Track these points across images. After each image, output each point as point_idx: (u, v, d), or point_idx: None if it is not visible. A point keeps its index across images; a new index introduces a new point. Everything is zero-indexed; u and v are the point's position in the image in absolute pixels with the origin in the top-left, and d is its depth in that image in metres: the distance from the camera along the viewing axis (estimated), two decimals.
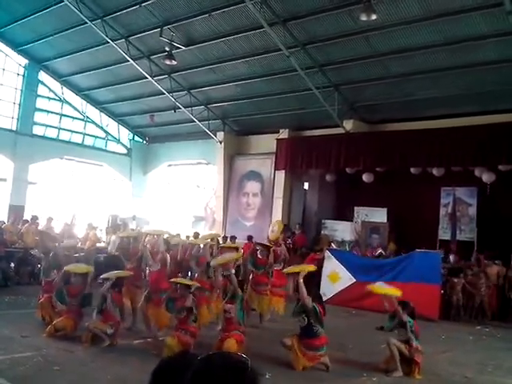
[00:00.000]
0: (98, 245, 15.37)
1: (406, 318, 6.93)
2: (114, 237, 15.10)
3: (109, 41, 15.99)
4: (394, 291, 6.96)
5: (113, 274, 7.84)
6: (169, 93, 18.08)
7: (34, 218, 14.83)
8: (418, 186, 14.99)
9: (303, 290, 6.84)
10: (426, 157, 14.11)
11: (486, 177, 13.76)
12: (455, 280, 11.94)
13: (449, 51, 12.76)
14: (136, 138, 24.28)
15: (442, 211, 15.27)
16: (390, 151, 14.79)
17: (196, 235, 16.16)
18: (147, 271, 9.89)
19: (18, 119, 20.11)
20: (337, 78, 15.17)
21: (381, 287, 6.92)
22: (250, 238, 15.38)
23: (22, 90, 20.25)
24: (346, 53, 14.00)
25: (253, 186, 18.98)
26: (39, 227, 14.69)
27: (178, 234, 15.26)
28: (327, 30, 13.35)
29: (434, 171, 14.55)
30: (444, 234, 14.96)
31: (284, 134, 17.81)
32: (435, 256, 12.26)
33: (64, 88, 21.43)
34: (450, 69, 13.28)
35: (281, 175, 17.75)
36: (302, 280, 6.96)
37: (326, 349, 6.85)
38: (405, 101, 15.01)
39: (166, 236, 9.83)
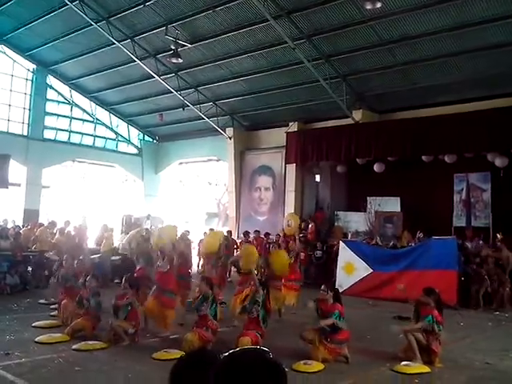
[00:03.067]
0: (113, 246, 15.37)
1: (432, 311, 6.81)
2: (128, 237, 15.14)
3: (115, 42, 16.06)
4: (421, 368, 6.54)
5: None
6: (176, 91, 18.11)
7: (53, 224, 14.89)
8: (431, 174, 14.85)
9: None
10: (438, 144, 13.98)
11: (499, 161, 13.61)
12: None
13: (456, 36, 12.61)
14: (146, 137, 24.41)
15: (456, 198, 15.09)
16: (401, 140, 14.68)
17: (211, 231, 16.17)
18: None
19: (28, 124, 20.30)
20: (344, 68, 15.08)
21: (409, 367, 6.48)
22: (256, 232, 15.38)
23: (31, 95, 20.43)
24: (352, 42, 13.91)
25: (264, 181, 18.96)
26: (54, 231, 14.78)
27: (188, 231, 15.32)
28: (332, 21, 13.27)
29: (446, 158, 14.41)
30: (459, 221, 14.75)
31: (293, 127, 17.75)
32: (451, 242, 12.14)
33: (73, 91, 21.57)
34: (458, 54, 13.15)
35: (292, 168, 17.70)
36: None
37: (346, 344, 6.86)
38: (413, 88, 14.87)
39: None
